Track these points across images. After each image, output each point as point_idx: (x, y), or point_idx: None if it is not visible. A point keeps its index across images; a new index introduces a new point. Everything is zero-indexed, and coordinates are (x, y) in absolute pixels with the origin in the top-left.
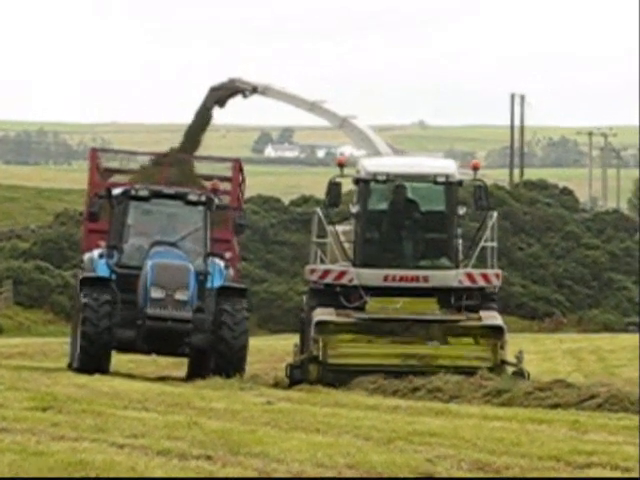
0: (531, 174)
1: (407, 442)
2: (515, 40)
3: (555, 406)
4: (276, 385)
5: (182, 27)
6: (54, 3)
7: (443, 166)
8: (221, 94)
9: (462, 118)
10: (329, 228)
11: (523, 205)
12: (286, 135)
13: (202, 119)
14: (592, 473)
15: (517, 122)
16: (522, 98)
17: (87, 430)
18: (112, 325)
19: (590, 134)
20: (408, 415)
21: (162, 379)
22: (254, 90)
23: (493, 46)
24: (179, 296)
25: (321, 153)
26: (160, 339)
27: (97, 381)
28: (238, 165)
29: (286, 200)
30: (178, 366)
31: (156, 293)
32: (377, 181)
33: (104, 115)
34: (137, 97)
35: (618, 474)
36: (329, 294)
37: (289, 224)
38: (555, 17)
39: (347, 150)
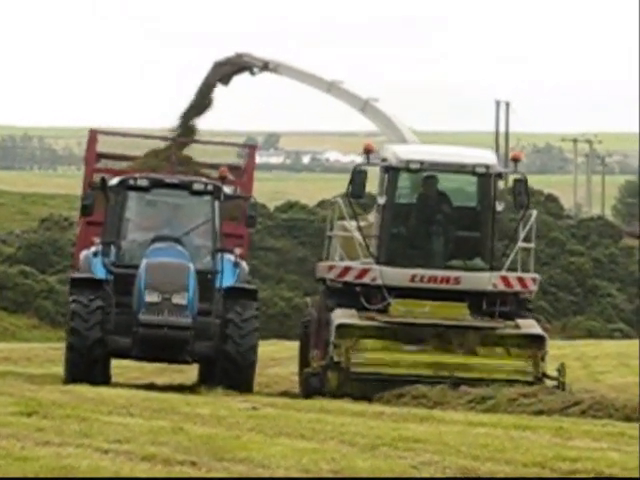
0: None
1: (392, 448)
2: (500, 47)
3: (539, 412)
4: (263, 391)
5: (176, 30)
6: (39, 5)
7: (483, 156)
8: (226, 70)
9: (449, 124)
10: (347, 223)
11: (508, 212)
12: (271, 141)
13: (203, 97)
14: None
15: (502, 128)
16: (507, 105)
17: (72, 435)
18: (105, 335)
19: (575, 141)
20: (393, 421)
21: (149, 386)
22: (265, 67)
23: (479, 52)
24: (177, 300)
25: (306, 159)
26: (156, 347)
27: (82, 387)
28: (253, 151)
29: (271, 206)
30: (163, 372)
31: (151, 297)
32: (410, 170)
33: (90, 119)
34: (126, 101)
35: None
36: (348, 294)
37: (274, 230)
38: (540, 23)
39: (332, 156)
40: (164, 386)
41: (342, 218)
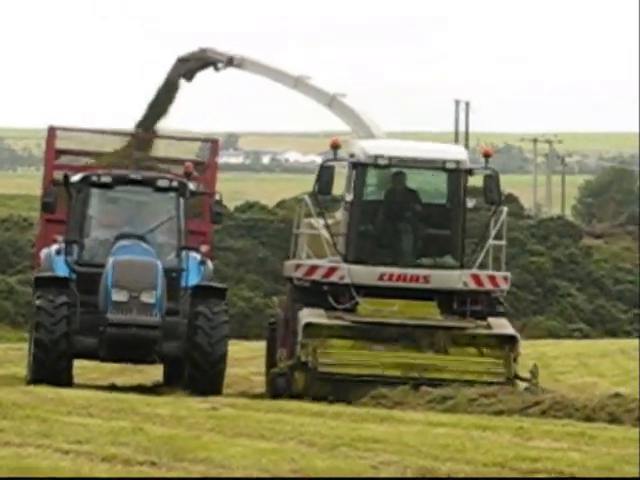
0: (475, 180)
1: (351, 448)
2: (460, 47)
3: (499, 413)
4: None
5: (176, 30)
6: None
7: (453, 151)
8: (190, 66)
9: (408, 124)
10: (314, 220)
11: (467, 211)
12: (231, 141)
13: (166, 94)
14: (537, 478)
15: (462, 128)
16: (467, 104)
17: (32, 436)
18: (70, 331)
19: (535, 141)
20: (352, 421)
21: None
22: (229, 62)
23: (438, 53)
24: (145, 298)
25: (266, 159)
26: (124, 347)
27: (42, 387)
28: (216, 146)
29: (231, 206)
30: (123, 372)
31: (118, 295)
32: (378, 165)
33: (50, 120)
34: (86, 101)
35: None
36: (315, 293)
37: (233, 230)
38: (501, 24)
39: (292, 156)
40: (124, 387)
41: (309, 215)
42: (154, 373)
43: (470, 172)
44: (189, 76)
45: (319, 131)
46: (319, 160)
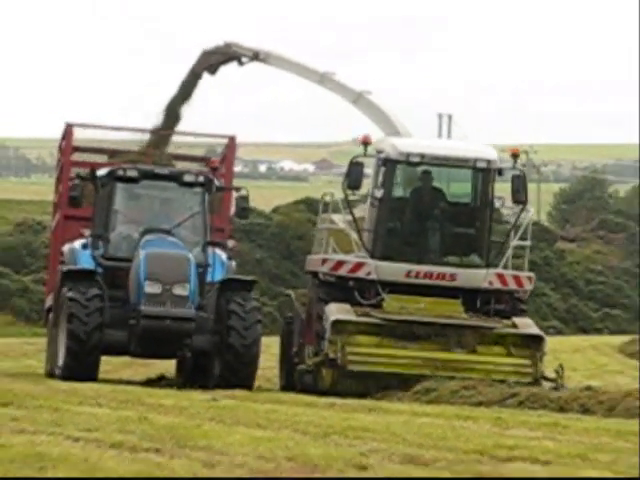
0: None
1: (342, 436)
2: (443, 66)
3: (479, 404)
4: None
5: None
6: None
7: (483, 150)
8: (214, 59)
9: None
10: (335, 216)
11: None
12: None
13: (189, 86)
14: (514, 466)
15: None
16: (449, 117)
17: (44, 424)
18: (103, 323)
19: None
20: (343, 411)
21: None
22: (255, 57)
23: (422, 71)
24: (178, 291)
25: (263, 168)
26: (157, 341)
27: (54, 379)
28: (233, 142)
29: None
30: (129, 365)
31: (151, 288)
32: (410, 163)
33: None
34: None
35: (538, 467)
36: (341, 288)
37: (232, 233)
38: (478, 43)
39: (287, 165)
40: (130, 380)
41: (335, 211)
42: (158, 367)
43: (500, 172)
44: (213, 69)
45: (312, 142)
46: (312, 168)
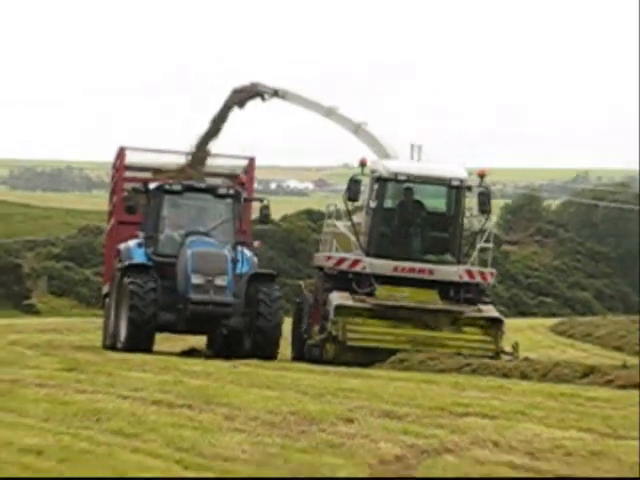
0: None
1: (334, 396)
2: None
3: (441, 371)
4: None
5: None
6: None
7: (456, 171)
8: (242, 96)
9: None
10: (337, 222)
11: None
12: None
13: (222, 118)
14: (468, 420)
15: None
16: (419, 148)
17: (101, 385)
18: (157, 311)
19: (470, 174)
20: (335, 376)
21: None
22: (275, 94)
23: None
24: (218, 282)
25: (273, 185)
26: (202, 322)
27: (109, 350)
28: (253, 162)
29: None
30: (168, 339)
31: (197, 279)
32: (397, 180)
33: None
34: (152, 138)
35: (487, 420)
36: (342, 279)
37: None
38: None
39: (292, 184)
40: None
41: (338, 218)
42: (191, 341)
43: (469, 188)
44: (241, 104)
45: (311, 166)
46: (311, 186)
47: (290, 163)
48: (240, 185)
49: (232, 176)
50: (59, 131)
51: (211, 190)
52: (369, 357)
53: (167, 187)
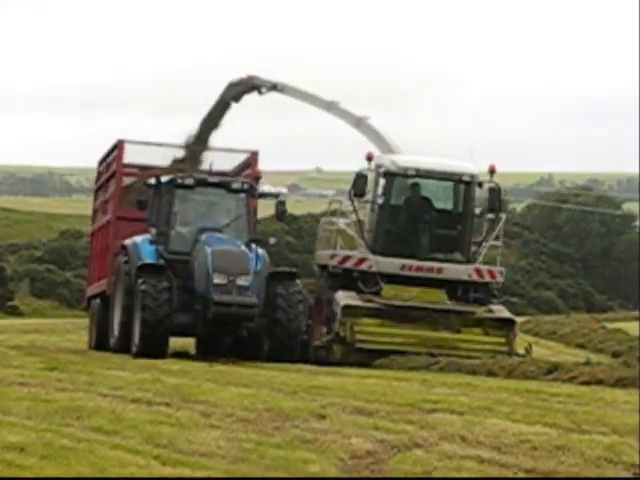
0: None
1: (307, 393)
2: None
3: (411, 369)
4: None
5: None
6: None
7: (467, 166)
8: (238, 89)
9: (347, 165)
10: (334, 219)
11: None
12: None
13: (218, 112)
14: (436, 416)
15: None
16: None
17: (81, 384)
18: (171, 311)
19: None
20: (308, 374)
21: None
22: (273, 87)
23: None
24: (241, 282)
25: (265, 189)
26: (224, 324)
27: (90, 350)
28: (256, 157)
29: None
30: None
31: (219, 279)
32: (407, 175)
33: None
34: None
35: (455, 416)
36: (346, 278)
37: None
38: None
39: (266, 187)
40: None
41: (342, 214)
42: (178, 342)
43: (480, 184)
44: (237, 98)
45: (285, 170)
46: (285, 190)
47: (264, 167)
48: (255, 179)
49: (230, 174)
50: (40, 137)
51: (224, 184)
52: (377, 359)
53: (179, 181)
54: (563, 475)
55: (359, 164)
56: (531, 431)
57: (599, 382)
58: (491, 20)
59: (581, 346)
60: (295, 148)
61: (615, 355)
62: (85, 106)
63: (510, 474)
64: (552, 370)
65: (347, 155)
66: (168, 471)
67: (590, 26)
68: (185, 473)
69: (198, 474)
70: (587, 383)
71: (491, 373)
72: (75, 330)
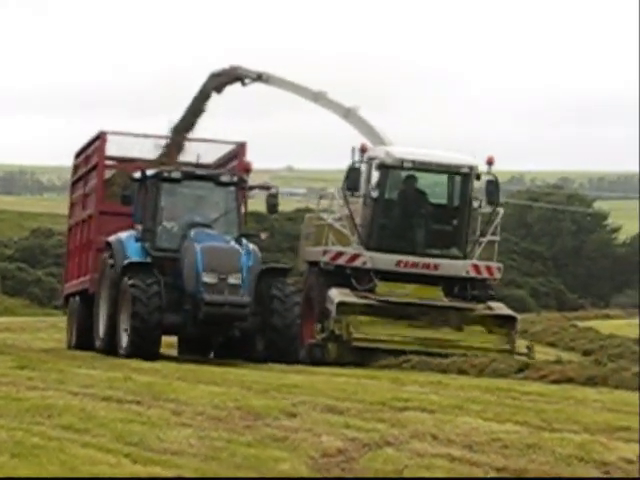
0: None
1: (278, 392)
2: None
3: (382, 367)
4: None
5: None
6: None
7: (465, 158)
8: (221, 80)
9: (319, 163)
10: (322, 214)
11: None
12: None
13: (199, 104)
14: (407, 414)
15: None
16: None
17: (52, 382)
18: (162, 305)
19: None
20: (279, 373)
21: None
22: (258, 78)
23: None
24: (232, 280)
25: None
26: (216, 324)
27: (60, 348)
28: (244, 148)
29: None
30: None
31: (209, 278)
32: (403, 168)
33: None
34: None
35: (426, 415)
36: (339, 275)
37: None
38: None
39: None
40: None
41: (330, 210)
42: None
43: (478, 177)
44: (219, 89)
45: (256, 168)
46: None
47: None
48: (246, 172)
49: (212, 166)
50: (11, 135)
51: (213, 177)
52: (373, 358)
53: (165, 175)
54: (534, 474)
55: (333, 163)
56: (502, 429)
57: (570, 380)
58: (491, 20)
59: (552, 344)
60: (266, 146)
61: (586, 353)
62: (85, 106)
63: (481, 473)
64: (523, 368)
65: (319, 153)
66: (139, 469)
67: (588, 26)
68: (156, 471)
69: (169, 472)
70: (558, 381)
71: (462, 371)
72: (46, 328)
